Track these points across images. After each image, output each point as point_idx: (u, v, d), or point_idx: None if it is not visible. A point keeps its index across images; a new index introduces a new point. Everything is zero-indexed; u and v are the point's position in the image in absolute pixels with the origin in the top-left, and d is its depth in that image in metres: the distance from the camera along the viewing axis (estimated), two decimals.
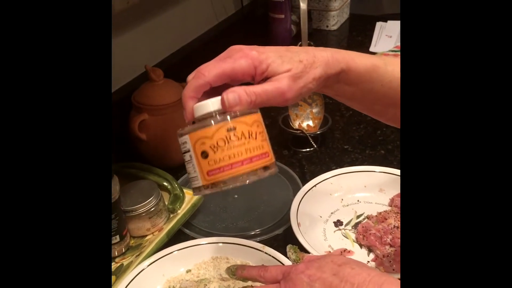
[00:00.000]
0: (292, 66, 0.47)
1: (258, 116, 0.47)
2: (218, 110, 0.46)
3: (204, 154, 0.45)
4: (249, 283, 0.60)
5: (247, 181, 0.45)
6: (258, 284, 0.56)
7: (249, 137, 0.45)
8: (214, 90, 0.48)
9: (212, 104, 0.46)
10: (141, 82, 0.85)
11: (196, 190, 0.47)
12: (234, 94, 0.45)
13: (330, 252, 0.68)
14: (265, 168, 0.46)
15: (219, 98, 0.46)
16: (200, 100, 0.47)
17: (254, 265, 0.63)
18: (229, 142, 0.44)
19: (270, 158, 0.47)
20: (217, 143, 0.44)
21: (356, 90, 0.53)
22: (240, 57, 0.47)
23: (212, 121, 0.45)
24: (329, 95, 0.55)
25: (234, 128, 0.45)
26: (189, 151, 0.45)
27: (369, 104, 0.56)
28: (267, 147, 0.47)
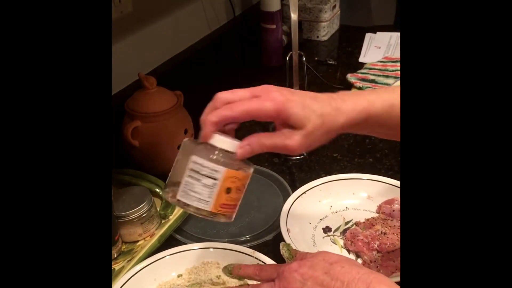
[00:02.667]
0: (309, 122, 0.49)
1: None
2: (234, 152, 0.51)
3: (228, 190, 0.49)
4: (245, 281, 0.61)
5: (230, 220, 0.53)
6: (254, 282, 0.58)
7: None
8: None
9: (234, 146, 0.50)
10: (134, 90, 0.86)
11: (194, 209, 0.50)
12: (249, 148, 0.50)
13: None
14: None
15: (237, 142, 0.50)
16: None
17: None
18: (243, 188, 0.52)
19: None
20: (240, 186, 0.50)
21: (373, 128, 0.55)
22: (266, 99, 0.49)
23: (245, 168, 0.51)
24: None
25: (248, 179, 0.52)
26: (215, 179, 0.49)
27: (386, 135, 0.59)
28: None
